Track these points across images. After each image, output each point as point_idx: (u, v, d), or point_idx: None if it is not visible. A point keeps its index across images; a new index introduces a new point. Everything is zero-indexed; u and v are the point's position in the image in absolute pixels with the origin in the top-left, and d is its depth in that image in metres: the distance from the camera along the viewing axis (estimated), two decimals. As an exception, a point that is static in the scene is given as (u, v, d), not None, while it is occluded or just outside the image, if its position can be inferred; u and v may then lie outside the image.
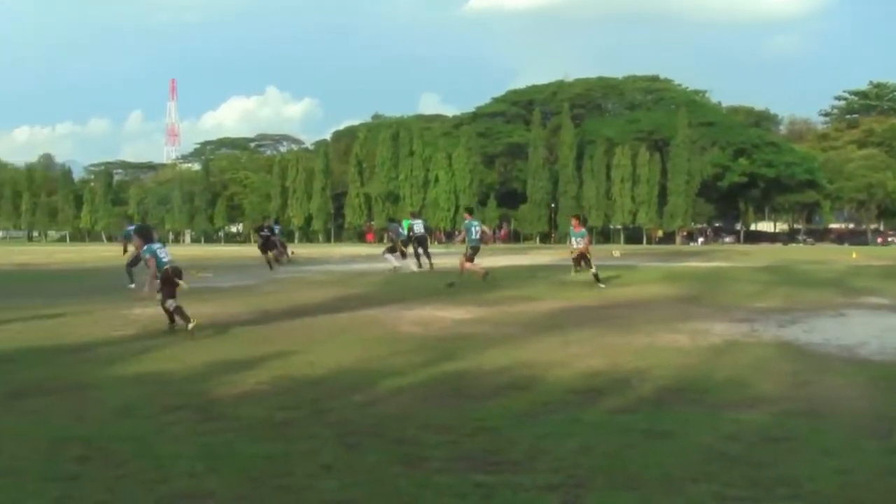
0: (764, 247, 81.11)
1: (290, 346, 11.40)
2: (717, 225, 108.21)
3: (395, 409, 7.50)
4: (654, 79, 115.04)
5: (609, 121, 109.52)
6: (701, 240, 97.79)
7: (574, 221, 24.12)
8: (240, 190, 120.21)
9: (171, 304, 13.23)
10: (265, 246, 33.14)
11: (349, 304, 17.61)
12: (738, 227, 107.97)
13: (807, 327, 13.34)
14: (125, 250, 24.10)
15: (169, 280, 13.42)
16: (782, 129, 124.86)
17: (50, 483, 5.38)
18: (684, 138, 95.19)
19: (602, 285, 21.37)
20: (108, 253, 54.83)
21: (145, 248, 14.05)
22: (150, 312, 15.71)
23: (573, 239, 23.25)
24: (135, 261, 21.77)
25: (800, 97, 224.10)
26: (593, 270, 22.17)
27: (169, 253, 14.26)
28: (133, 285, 21.54)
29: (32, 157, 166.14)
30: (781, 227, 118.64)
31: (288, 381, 8.87)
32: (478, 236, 25.74)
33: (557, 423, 6.92)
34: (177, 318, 13.05)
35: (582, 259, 23.05)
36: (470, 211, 32.09)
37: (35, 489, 5.27)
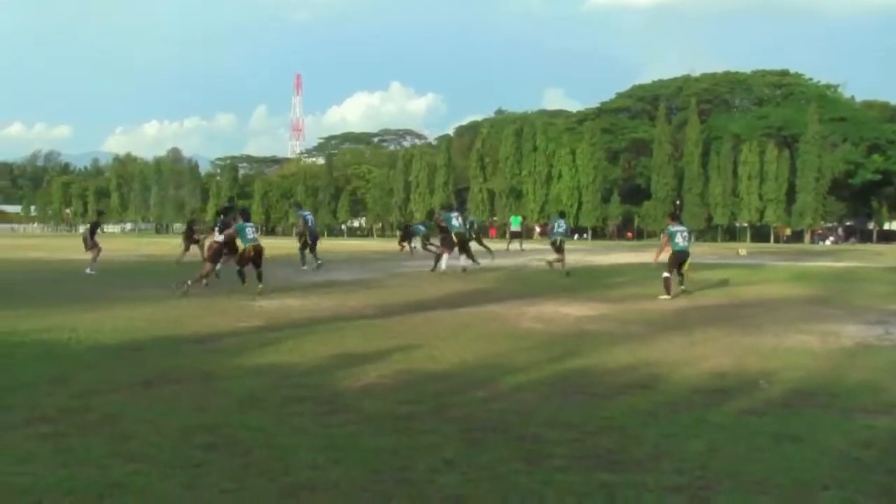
0: (898, 247, 78.45)
1: (412, 340, 11.49)
2: (848, 224, 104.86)
3: (518, 405, 7.49)
4: (784, 73, 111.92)
5: (736, 116, 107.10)
6: (831, 239, 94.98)
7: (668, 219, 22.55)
8: (362, 184, 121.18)
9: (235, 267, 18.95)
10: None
11: (470, 299, 17.65)
12: (871, 226, 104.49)
13: (944, 331, 12.84)
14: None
15: (243, 256, 18.80)
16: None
17: (178, 469, 5.54)
18: (815, 134, 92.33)
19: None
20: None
21: (239, 224, 19.21)
22: (276, 305, 16.08)
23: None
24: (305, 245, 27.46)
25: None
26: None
27: (256, 235, 19.52)
28: (305, 266, 26.73)
29: (161, 152, 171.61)
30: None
31: (410, 375, 8.94)
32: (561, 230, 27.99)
33: (683, 424, 6.83)
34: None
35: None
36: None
37: (164, 475, 5.43)
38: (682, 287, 19.76)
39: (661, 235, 21.07)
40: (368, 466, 5.61)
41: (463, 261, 26.98)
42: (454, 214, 27.87)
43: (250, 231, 19.18)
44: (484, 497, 5.06)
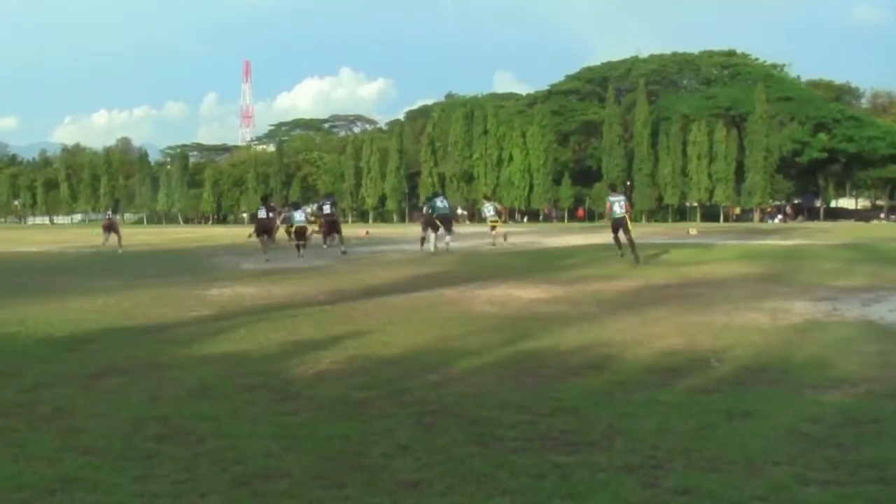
0: (845, 224, 79.42)
1: (364, 326, 11.48)
2: (796, 202, 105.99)
3: (471, 388, 7.50)
4: (731, 53, 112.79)
5: (685, 97, 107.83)
6: (779, 217, 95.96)
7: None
8: (314, 171, 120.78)
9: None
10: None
11: (423, 283, 17.66)
12: (818, 203, 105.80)
13: (892, 306, 13.00)
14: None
15: (298, 231, 29.51)
16: (865, 102, 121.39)
17: (129, 461, 5.48)
18: (762, 114, 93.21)
19: None
20: (183, 235, 55.66)
21: (293, 212, 31.69)
22: (228, 293, 15.99)
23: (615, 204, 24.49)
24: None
25: (884, 69, 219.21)
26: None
27: (302, 217, 30.44)
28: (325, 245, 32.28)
29: (110, 141, 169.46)
30: (863, 203, 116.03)
31: (363, 360, 8.93)
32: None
33: (635, 403, 6.87)
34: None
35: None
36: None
37: (115, 467, 5.38)
38: (631, 256, 23.03)
39: (606, 203, 25.17)
40: (322, 453, 5.59)
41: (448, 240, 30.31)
42: (439, 198, 32.14)
43: (299, 216, 30.61)
44: (439, 481, 5.05)
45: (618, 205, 24.48)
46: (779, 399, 6.99)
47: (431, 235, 29.65)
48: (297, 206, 33.10)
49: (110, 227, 35.92)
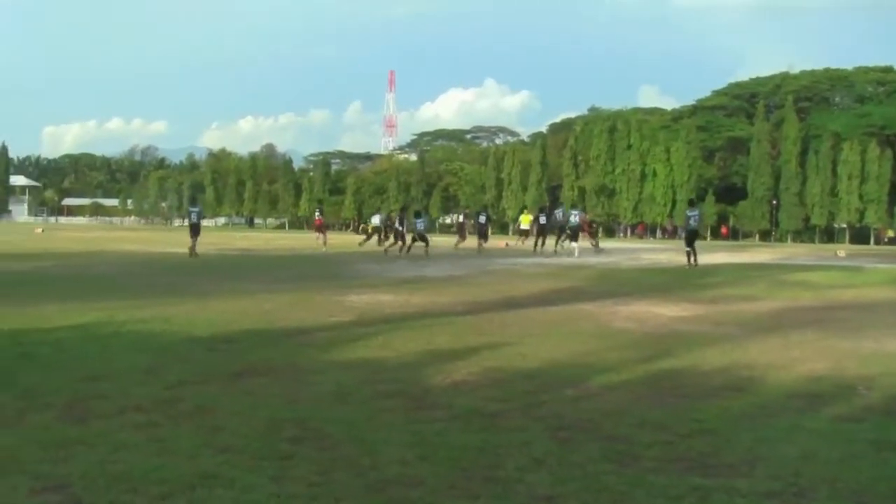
0: None
1: (502, 337, 11.46)
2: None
3: (609, 405, 7.42)
4: (888, 70, 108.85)
5: (836, 114, 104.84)
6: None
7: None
8: (454, 181, 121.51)
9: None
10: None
11: (562, 297, 17.56)
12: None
13: None
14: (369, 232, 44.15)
15: (397, 233, 37.41)
16: None
17: (265, 461, 5.58)
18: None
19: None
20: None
21: (416, 220, 37.45)
22: (367, 300, 16.19)
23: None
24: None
25: None
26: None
27: (423, 225, 37.28)
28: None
29: (256, 147, 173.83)
30: None
31: (500, 372, 8.91)
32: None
33: (778, 428, 6.69)
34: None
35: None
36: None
37: (252, 466, 5.48)
38: (694, 263, 27.73)
39: (683, 217, 31.66)
40: (456, 464, 5.60)
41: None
42: (482, 215, 44.37)
43: (419, 223, 37.31)
44: (573, 497, 5.00)
45: (693, 219, 29.04)
46: (932, 432, 6.70)
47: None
48: (418, 214, 39.84)
49: (321, 227, 44.62)
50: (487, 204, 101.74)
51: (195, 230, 32.77)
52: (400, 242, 36.94)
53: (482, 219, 41.56)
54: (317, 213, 47.71)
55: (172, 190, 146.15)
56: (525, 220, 45.45)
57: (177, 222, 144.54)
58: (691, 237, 28.76)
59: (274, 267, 27.45)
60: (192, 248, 31.50)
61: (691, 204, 33.46)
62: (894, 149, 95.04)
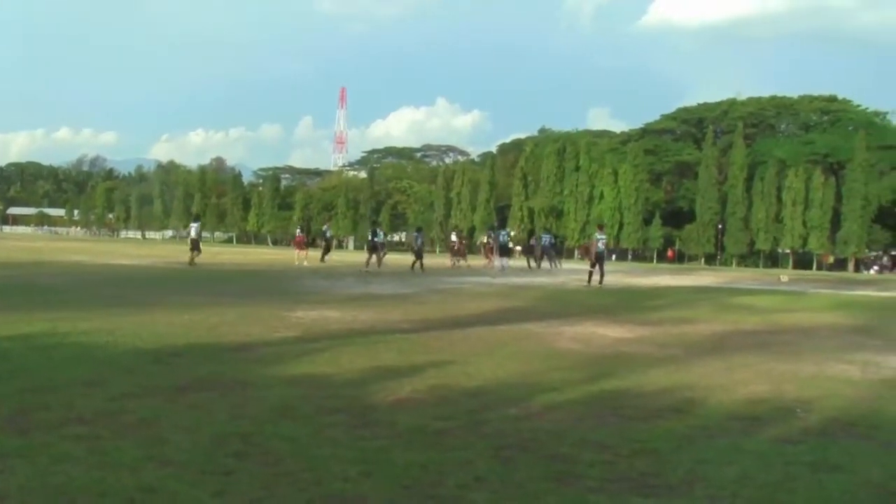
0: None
1: (447, 356, 11.47)
2: (893, 253, 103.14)
3: (552, 424, 7.46)
4: (832, 99, 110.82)
5: (782, 141, 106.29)
6: (875, 268, 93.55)
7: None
8: (403, 199, 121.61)
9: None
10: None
11: (508, 316, 17.62)
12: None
13: None
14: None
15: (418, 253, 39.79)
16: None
17: (209, 476, 5.56)
18: (862, 162, 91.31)
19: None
20: (272, 256, 56.35)
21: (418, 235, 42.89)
22: (314, 316, 16.13)
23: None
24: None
25: None
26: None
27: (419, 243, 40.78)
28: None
29: (205, 160, 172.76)
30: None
31: (444, 390, 8.92)
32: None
33: (718, 449, 6.77)
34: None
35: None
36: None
37: (195, 481, 5.45)
38: (599, 282, 29.84)
39: (591, 240, 33.89)
40: (399, 481, 5.60)
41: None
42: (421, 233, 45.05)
43: (419, 240, 41.34)
44: (514, 515, 5.04)
45: (601, 242, 31.33)
46: (867, 454, 6.81)
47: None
48: (419, 230, 45.02)
49: (301, 244, 44.35)
50: (424, 221, 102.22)
51: (195, 244, 37.36)
52: (374, 257, 38.81)
53: (418, 239, 42.72)
54: (298, 231, 48.47)
55: (120, 201, 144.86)
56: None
57: (123, 234, 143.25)
58: (599, 258, 30.71)
59: (221, 281, 27.24)
60: (192, 259, 35.83)
61: (600, 228, 35.88)
62: (837, 176, 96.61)
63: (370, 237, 41.78)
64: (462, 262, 45.75)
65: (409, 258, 41.45)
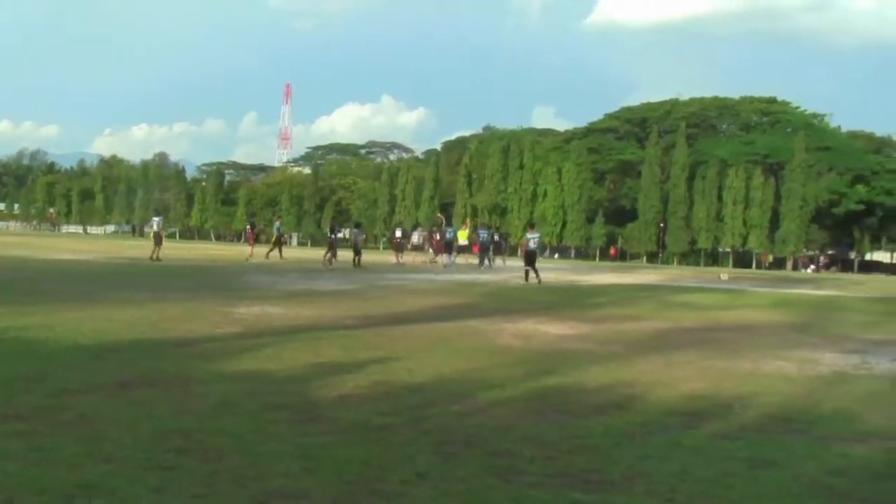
0: (879, 277, 78.43)
1: (390, 352, 11.45)
2: (830, 252, 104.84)
3: (493, 421, 7.47)
4: (771, 101, 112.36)
5: (723, 142, 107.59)
6: (812, 267, 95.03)
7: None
8: (348, 195, 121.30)
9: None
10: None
11: (451, 313, 17.65)
12: (853, 255, 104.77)
13: (922, 362, 12.88)
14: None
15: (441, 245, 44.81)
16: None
17: (149, 472, 5.48)
18: (800, 162, 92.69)
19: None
20: (215, 251, 55.97)
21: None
22: (256, 312, 16.03)
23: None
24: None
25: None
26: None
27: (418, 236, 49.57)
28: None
29: (148, 155, 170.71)
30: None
31: (387, 386, 8.91)
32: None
33: (657, 445, 6.82)
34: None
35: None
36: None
37: (134, 477, 5.37)
38: (537, 280, 29.86)
39: (523, 239, 35.23)
40: (341, 476, 5.58)
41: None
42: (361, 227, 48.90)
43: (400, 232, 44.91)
44: (455, 511, 5.04)
45: (533, 241, 31.94)
46: (803, 450, 6.91)
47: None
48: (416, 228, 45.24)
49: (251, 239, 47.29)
50: (368, 218, 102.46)
51: (158, 238, 38.34)
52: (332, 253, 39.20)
53: (358, 235, 44.56)
54: (248, 227, 48.83)
55: (61, 195, 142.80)
56: (462, 236, 47.13)
57: (65, 228, 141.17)
58: (531, 257, 31.20)
59: (164, 276, 26.95)
60: (155, 254, 36.37)
61: (531, 227, 38.16)
62: (777, 177, 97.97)
63: (329, 233, 42.68)
64: (437, 259, 46.29)
65: (353, 255, 41.32)
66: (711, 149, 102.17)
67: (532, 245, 31.72)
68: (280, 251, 44.41)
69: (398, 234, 50.38)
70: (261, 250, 46.21)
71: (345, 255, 41.38)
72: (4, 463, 5.52)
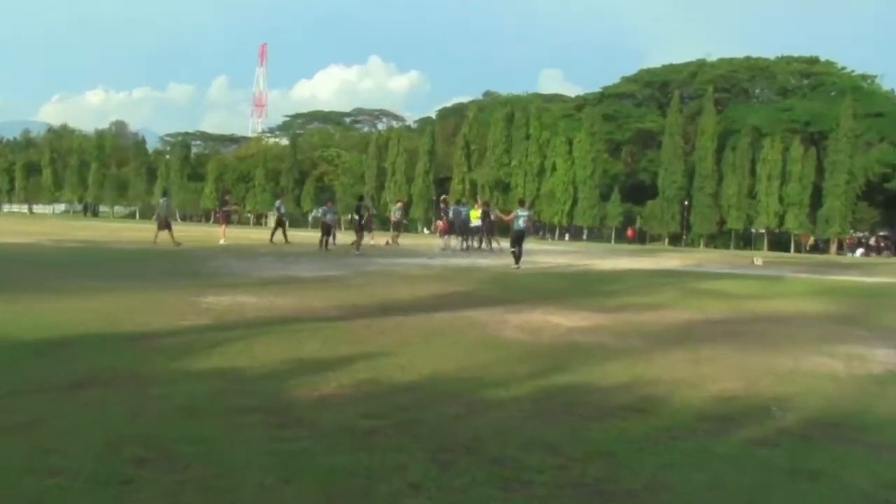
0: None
1: (378, 346, 11.45)
2: (882, 234, 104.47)
3: (495, 424, 7.45)
4: (813, 61, 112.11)
5: (757, 108, 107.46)
6: (861, 250, 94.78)
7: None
8: (331, 169, 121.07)
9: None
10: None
11: (448, 302, 17.64)
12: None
13: None
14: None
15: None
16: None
17: (103, 486, 5.46)
18: (847, 131, 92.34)
19: None
20: (181, 233, 55.92)
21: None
22: (226, 301, 15.98)
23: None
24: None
25: None
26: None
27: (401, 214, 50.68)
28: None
29: (104, 124, 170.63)
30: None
31: (375, 385, 8.91)
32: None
33: (684, 453, 6.79)
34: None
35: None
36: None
37: (86, 491, 5.36)
38: (516, 265, 30.17)
39: (510, 214, 34.14)
40: (323, 488, 5.57)
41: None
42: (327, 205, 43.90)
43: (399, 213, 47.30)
44: (452, 527, 5.01)
45: (523, 219, 32.18)
46: (852, 459, 6.88)
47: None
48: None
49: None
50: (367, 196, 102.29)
51: (167, 223, 38.97)
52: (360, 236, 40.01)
53: (327, 213, 43.02)
54: (219, 205, 50.03)
55: (2, 170, 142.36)
56: (475, 216, 46.74)
57: (6, 207, 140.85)
58: (519, 237, 31.64)
59: (122, 262, 26.92)
60: (156, 237, 37.69)
61: (521, 204, 37.13)
62: (819, 148, 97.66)
63: (356, 214, 42.73)
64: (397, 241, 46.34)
65: (350, 236, 41.36)
66: (743, 116, 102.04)
67: (521, 224, 32.13)
68: (284, 233, 43.85)
69: (397, 213, 51.56)
70: (233, 232, 46.17)
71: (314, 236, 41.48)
72: (-66, 478, 5.49)
